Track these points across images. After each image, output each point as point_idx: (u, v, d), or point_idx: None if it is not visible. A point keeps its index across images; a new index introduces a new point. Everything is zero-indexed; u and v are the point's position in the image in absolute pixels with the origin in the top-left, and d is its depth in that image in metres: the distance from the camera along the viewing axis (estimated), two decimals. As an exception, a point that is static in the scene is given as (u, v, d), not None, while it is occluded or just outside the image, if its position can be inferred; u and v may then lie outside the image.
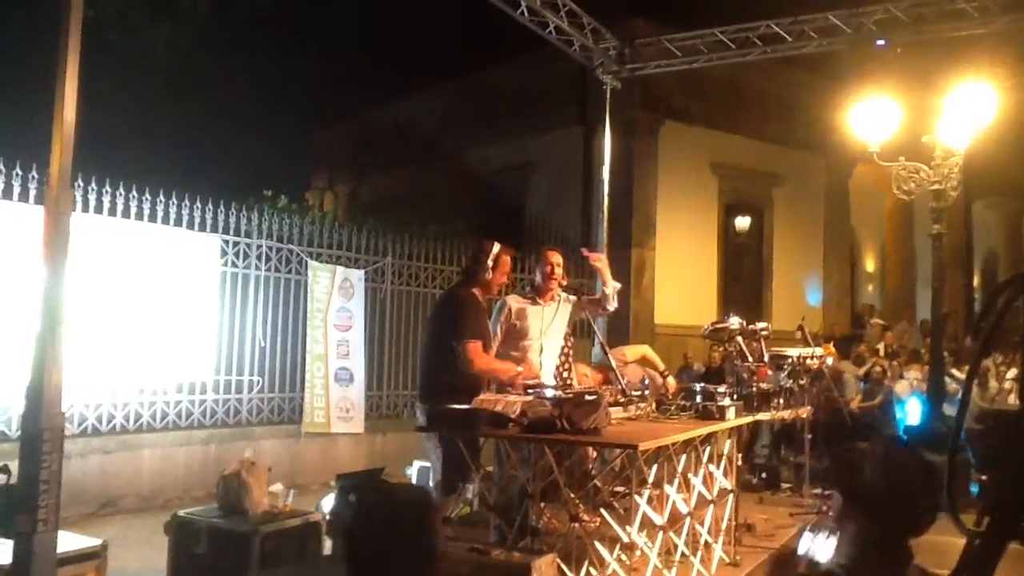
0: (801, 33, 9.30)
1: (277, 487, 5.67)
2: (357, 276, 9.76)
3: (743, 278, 15.40)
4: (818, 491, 8.22)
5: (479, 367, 5.19)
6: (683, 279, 13.30)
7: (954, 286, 15.94)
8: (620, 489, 5.05)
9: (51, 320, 3.81)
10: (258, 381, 9.00)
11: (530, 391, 4.94)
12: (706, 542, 5.49)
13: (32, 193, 6.96)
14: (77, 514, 7.03)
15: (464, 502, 5.50)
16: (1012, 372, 9.78)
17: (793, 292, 15.78)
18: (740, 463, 6.70)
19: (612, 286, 5.87)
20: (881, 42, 8.93)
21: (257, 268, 9.04)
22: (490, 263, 5.36)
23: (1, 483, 3.93)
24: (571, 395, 4.62)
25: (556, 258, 5.73)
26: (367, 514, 2.09)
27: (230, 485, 5.16)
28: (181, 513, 5.05)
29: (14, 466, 3.83)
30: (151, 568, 5.25)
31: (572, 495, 4.67)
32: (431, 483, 5.38)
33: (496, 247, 5.42)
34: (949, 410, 9.81)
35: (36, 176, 6.94)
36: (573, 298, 5.83)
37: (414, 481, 7.00)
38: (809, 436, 8.26)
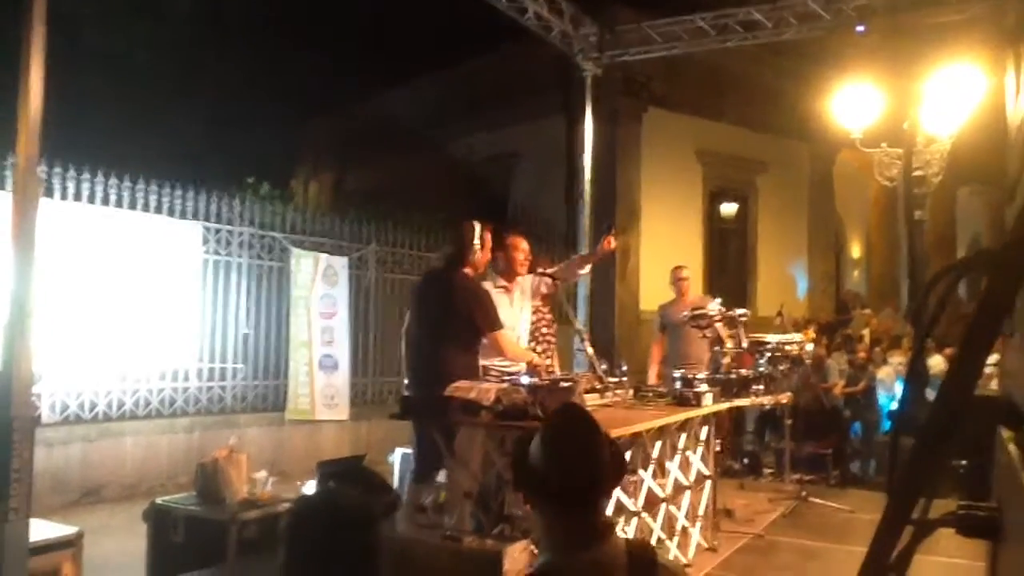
0: (780, 19, 9.30)
1: (261, 474, 5.68)
2: (341, 263, 9.76)
3: (728, 265, 15.44)
4: (799, 477, 8.29)
5: (513, 355, 5.36)
6: (668, 265, 13.25)
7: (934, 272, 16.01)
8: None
9: (20, 308, 3.80)
10: (241, 369, 9.01)
11: (506, 378, 4.97)
12: (683, 527, 5.53)
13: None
14: (60, 503, 7.04)
15: (439, 489, 5.52)
16: (994, 357, 9.84)
17: (778, 279, 15.84)
18: (719, 449, 6.74)
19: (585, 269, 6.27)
20: (861, 28, 8.94)
21: (239, 255, 9.04)
22: (477, 243, 5.39)
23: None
24: (546, 382, 4.64)
25: (524, 244, 5.86)
26: (298, 528, 1.95)
27: (208, 473, 5.17)
28: (159, 501, 5.06)
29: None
30: (130, 556, 5.25)
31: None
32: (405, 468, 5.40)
33: (478, 227, 5.48)
34: (932, 395, 9.87)
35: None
36: (529, 277, 5.94)
37: (396, 468, 7.00)
38: (790, 422, 8.31)
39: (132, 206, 8.10)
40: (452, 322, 5.23)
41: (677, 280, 8.18)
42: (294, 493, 6.29)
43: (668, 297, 8.39)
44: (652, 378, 7.78)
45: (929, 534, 1.42)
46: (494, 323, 5.24)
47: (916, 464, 1.17)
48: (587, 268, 6.56)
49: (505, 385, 4.65)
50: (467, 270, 5.42)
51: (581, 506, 1.92)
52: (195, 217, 8.62)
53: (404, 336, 5.59)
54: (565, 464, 1.94)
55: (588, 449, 1.97)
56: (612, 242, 6.13)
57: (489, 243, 5.57)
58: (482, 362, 5.70)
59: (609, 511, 4.50)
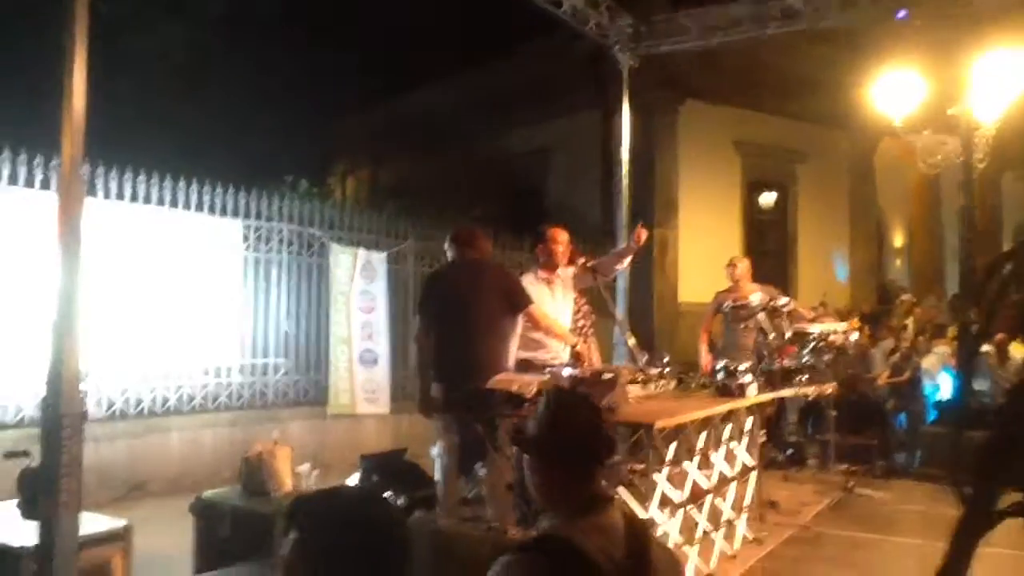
0: (820, 7, 9.15)
1: (304, 467, 5.73)
2: (379, 259, 9.80)
3: (768, 255, 15.28)
4: (843, 468, 8.20)
5: (548, 327, 5.55)
6: (707, 257, 13.18)
7: (983, 260, 15.73)
8: (640, 466, 5.05)
9: (67, 307, 3.85)
10: (283, 364, 9.08)
11: (548, 370, 4.96)
12: (728, 520, 5.48)
13: (38, 179, 7.03)
14: (107, 497, 7.12)
15: (481, 482, 5.52)
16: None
17: (819, 268, 15.67)
18: (764, 440, 6.68)
19: (627, 261, 6.23)
20: (902, 13, 8.79)
21: (279, 252, 9.10)
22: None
23: (24, 467, 3.99)
24: (588, 374, 4.62)
25: (563, 236, 5.86)
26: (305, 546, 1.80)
27: (253, 467, 5.21)
28: (206, 495, 5.12)
29: (37, 451, 3.88)
30: (178, 549, 5.31)
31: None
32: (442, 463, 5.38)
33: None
34: (980, 385, 9.73)
35: (42, 162, 7.01)
36: (570, 269, 5.94)
37: (438, 461, 7.01)
38: (834, 413, 8.21)
39: (174, 204, 8.18)
40: (489, 307, 5.24)
41: (727, 271, 8.21)
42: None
43: (708, 289, 8.38)
44: (704, 361, 7.78)
45: (997, 524, 1.39)
46: (528, 298, 5.38)
47: (993, 453, 1.14)
48: (625, 263, 6.53)
49: (547, 377, 4.64)
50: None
51: (583, 474, 2.09)
52: (236, 215, 8.69)
53: (422, 335, 5.48)
54: (571, 434, 2.12)
55: (590, 422, 2.18)
56: (643, 235, 6.12)
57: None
58: (524, 354, 5.70)
59: (655, 502, 4.47)
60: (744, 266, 8.34)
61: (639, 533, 2.08)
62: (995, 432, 1.23)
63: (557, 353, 5.76)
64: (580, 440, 2.12)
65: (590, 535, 1.97)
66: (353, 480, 6.25)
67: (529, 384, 4.54)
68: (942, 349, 11.34)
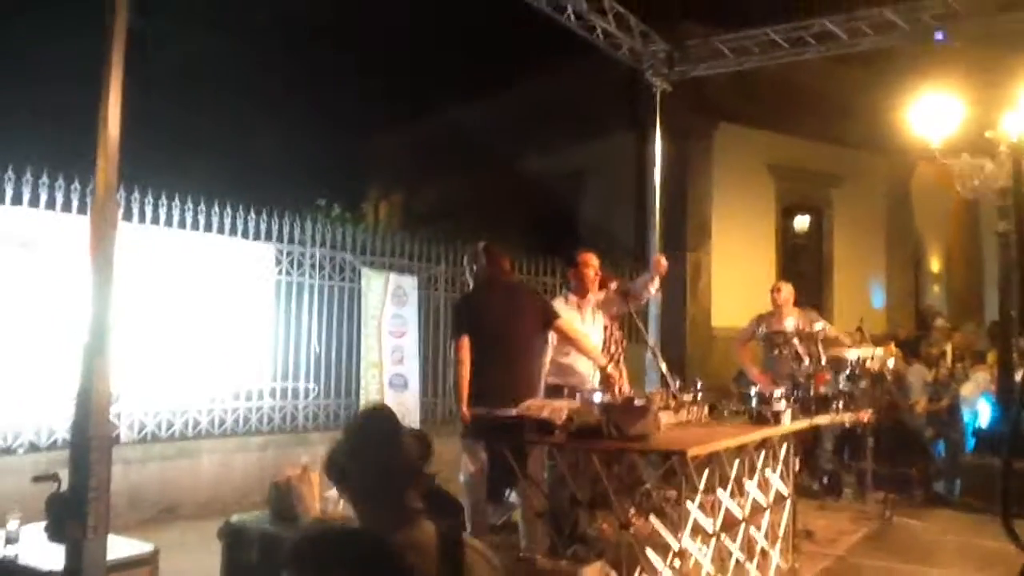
0: (856, 30, 9.09)
1: (332, 492, 5.69)
2: (410, 283, 9.80)
3: (802, 280, 15.04)
4: (881, 496, 8.01)
5: (575, 337, 5.62)
6: (740, 281, 13.08)
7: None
8: (672, 494, 4.96)
9: (98, 329, 3.85)
10: (314, 388, 9.07)
11: (578, 395, 4.90)
12: (762, 549, 5.37)
13: (75, 204, 7.09)
14: (136, 520, 7.12)
15: (511, 508, 5.47)
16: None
17: (855, 294, 15.45)
18: (798, 469, 6.55)
19: (655, 286, 6.22)
20: (940, 36, 8.69)
21: (311, 276, 9.13)
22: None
23: (53, 491, 3.98)
24: (619, 401, 4.56)
25: (594, 260, 5.84)
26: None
27: (281, 491, 5.18)
28: (233, 519, 5.08)
29: (65, 475, 3.88)
30: (205, 573, 5.28)
31: (622, 501, 4.60)
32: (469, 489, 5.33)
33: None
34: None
35: (78, 187, 7.07)
36: (601, 293, 5.92)
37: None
38: (871, 441, 8.05)
39: (208, 228, 8.23)
40: (524, 328, 5.23)
41: (772, 295, 8.18)
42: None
43: (741, 314, 8.30)
44: (757, 377, 7.68)
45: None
46: (556, 312, 5.49)
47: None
48: (654, 289, 6.47)
49: (577, 404, 4.58)
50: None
51: (383, 496, 2.16)
52: (268, 239, 8.74)
53: (460, 357, 5.42)
54: (363, 460, 2.18)
55: (385, 446, 2.20)
56: (663, 264, 6.15)
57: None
58: (554, 380, 5.65)
59: (687, 532, 4.39)
60: (788, 290, 8.29)
61: (453, 544, 2.15)
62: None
63: (587, 378, 5.71)
64: (380, 465, 2.17)
65: (404, 552, 2.04)
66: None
67: (560, 410, 4.49)
68: (981, 376, 11.11)
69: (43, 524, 3.98)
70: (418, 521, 2.15)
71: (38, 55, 13.61)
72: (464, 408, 5.23)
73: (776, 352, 7.35)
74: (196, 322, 8.05)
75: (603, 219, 14.03)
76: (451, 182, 17.37)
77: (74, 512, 3.70)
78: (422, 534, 2.13)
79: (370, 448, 2.21)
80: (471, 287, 5.77)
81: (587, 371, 5.79)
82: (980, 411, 10.47)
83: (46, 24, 13.35)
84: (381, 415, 2.34)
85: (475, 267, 5.54)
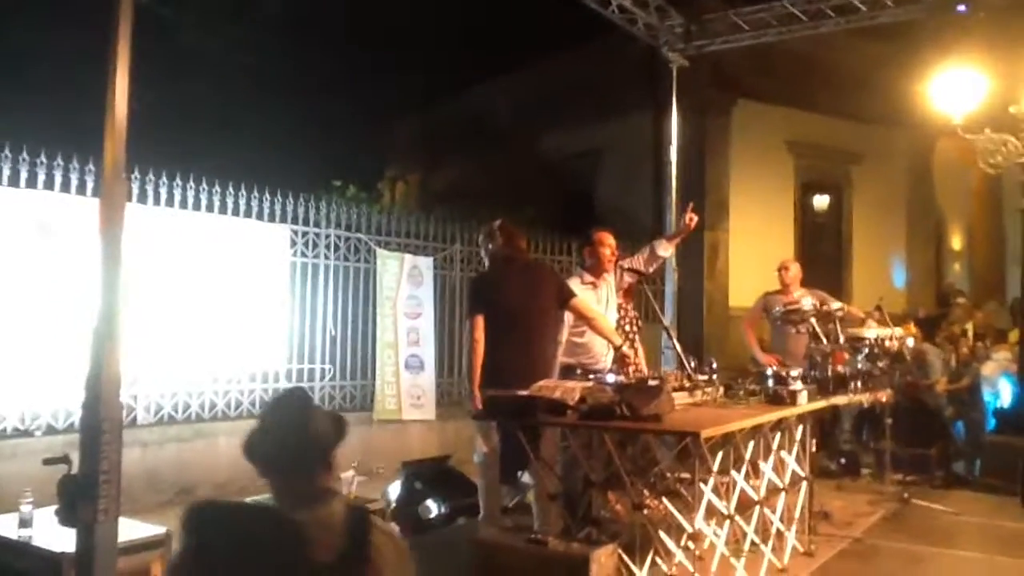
0: (876, 1, 8.94)
1: (348, 474, 5.70)
2: (426, 264, 9.77)
3: (822, 259, 14.96)
4: (900, 477, 7.95)
5: (593, 316, 5.54)
6: (758, 261, 12.94)
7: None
8: (686, 476, 4.92)
9: (108, 310, 3.83)
10: (329, 369, 9.08)
11: (591, 376, 4.86)
12: (778, 531, 5.33)
13: (89, 186, 7.08)
14: (155, 502, 7.17)
15: (524, 489, 5.45)
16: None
17: (875, 272, 15.31)
18: (815, 449, 6.49)
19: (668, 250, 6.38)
20: (962, 7, 8.52)
21: (326, 257, 9.12)
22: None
23: (64, 474, 3.98)
24: (632, 381, 4.51)
25: (610, 240, 5.81)
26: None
27: (294, 474, 5.18)
28: (247, 501, 5.08)
29: (76, 457, 3.87)
30: (221, 555, 5.30)
31: (635, 483, 4.56)
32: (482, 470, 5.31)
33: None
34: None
35: (92, 169, 7.07)
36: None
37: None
38: (890, 421, 7.96)
39: (223, 210, 8.22)
40: (548, 306, 5.21)
41: (780, 273, 8.11)
42: (379, 493, 6.32)
43: (759, 293, 8.25)
44: (764, 358, 7.67)
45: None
46: (572, 291, 5.44)
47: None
48: (670, 250, 6.46)
49: (590, 384, 4.53)
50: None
51: (292, 473, 2.22)
52: (283, 220, 8.72)
53: (475, 335, 5.35)
54: (273, 438, 2.25)
55: (294, 425, 2.26)
56: (694, 218, 6.15)
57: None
58: (567, 360, 5.62)
59: (701, 514, 4.35)
60: (796, 269, 8.23)
61: (360, 522, 2.21)
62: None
63: (600, 358, 5.67)
64: (289, 444, 2.23)
65: (304, 529, 2.10)
66: (395, 487, 6.21)
67: (572, 391, 4.44)
68: (1002, 355, 10.99)
69: (55, 507, 3.99)
70: (328, 500, 2.22)
71: (57, 37, 13.59)
72: (475, 390, 5.21)
73: (793, 331, 7.26)
74: (212, 304, 8.05)
75: (620, 198, 13.94)
76: (467, 162, 17.32)
77: (85, 495, 3.69)
78: (330, 513, 2.18)
79: (280, 427, 2.28)
80: (487, 266, 5.73)
81: (601, 351, 5.75)
82: (1001, 391, 10.37)
83: (64, 5, 13.34)
84: (293, 395, 2.43)
85: (491, 246, 5.49)
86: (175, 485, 7.64)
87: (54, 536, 3.85)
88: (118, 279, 3.93)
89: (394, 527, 2.07)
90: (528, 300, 5.23)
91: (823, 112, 14.29)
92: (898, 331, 7.30)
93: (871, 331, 6.90)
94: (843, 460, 9.09)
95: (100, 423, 3.71)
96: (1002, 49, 9.03)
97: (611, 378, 4.72)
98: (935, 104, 8.80)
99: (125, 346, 4.13)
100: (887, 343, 6.88)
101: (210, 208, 8.12)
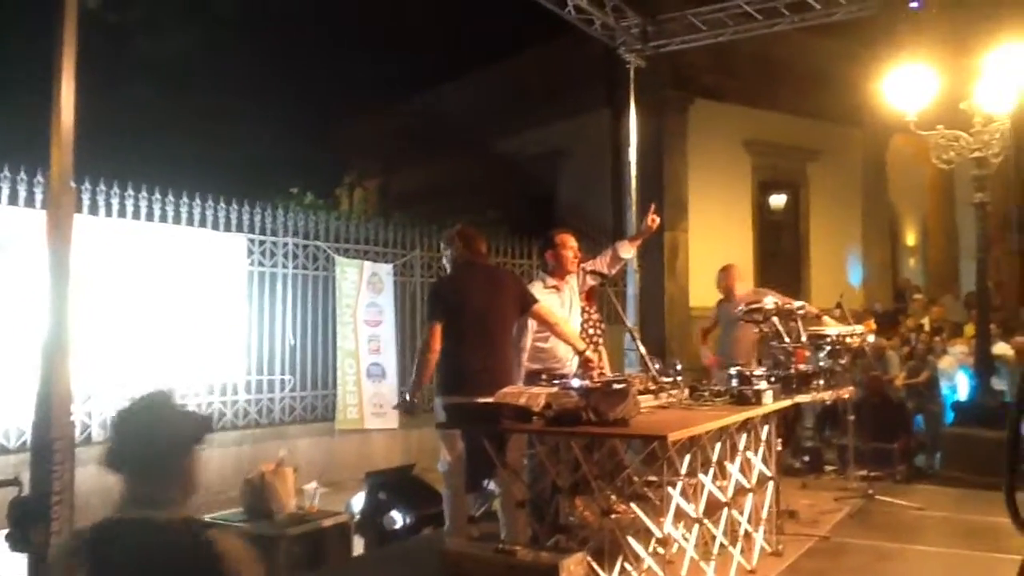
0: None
1: (310, 486, 5.59)
2: (385, 270, 9.68)
3: (780, 256, 15.08)
4: (863, 473, 7.99)
5: (554, 321, 5.42)
6: (718, 260, 13.01)
7: (1000, 256, 15.46)
8: (654, 479, 4.88)
9: (57, 325, 3.72)
10: (290, 380, 8.97)
11: (557, 381, 4.80)
12: (746, 532, 5.30)
13: (38, 199, 6.90)
14: (112, 520, 7.00)
15: (490, 497, 5.38)
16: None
17: (832, 269, 15.44)
18: (780, 448, 6.49)
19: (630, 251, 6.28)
20: (915, 3, 8.59)
21: (284, 266, 9.01)
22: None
23: (14, 496, 3.85)
24: (598, 385, 4.46)
25: (573, 242, 5.75)
26: None
27: (255, 488, 5.09)
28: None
29: (27, 478, 3.75)
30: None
31: (603, 488, 4.51)
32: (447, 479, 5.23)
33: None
34: (998, 384, 9.52)
35: (41, 180, 6.89)
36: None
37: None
38: (853, 417, 8.01)
39: (177, 220, 8.10)
40: (503, 313, 5.12)
41: (721, 282, 8.16)
42: (343, 504, 6.22)
43: (719, 293, 8.26)
44: (706, 359, 7.77)
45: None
46: (534, 296, 5.33)
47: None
48: (632, 251, 6.42)
49: (556, 390, 4.47)
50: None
51: (148, 478, 2.21)
52: (239, 229, 8.61)
53: (431, 343, 5.27)
54: (132, 444, 2.24)
55: (148, 428, 2.25)
56: (656, 219, 6.11)
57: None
58: (532, 366, 5.55)
59: (669, 517, 4.31)
60: (733, 272, 8.30)
61: (199, 530, 2.25)
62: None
63: (565, 363, 5.61)
64: (142, 448, 2.23)
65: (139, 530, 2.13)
66: (359, 498, 6.12)
67: (537, 397, 4.37)
68: (959, 349, 11.13)
69: (4, 532, 3.86)
70: (171, 508, 2.23)
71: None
72: (413, 395, 5.26)
73: (756, 330, 7.27)
74: (168, 316, 7.91)
75: (581, 199, 13.93)
76: (426, 166, 17.21)
77: (37, 516, 3.58)
78: (175, 514, 2.21)
79: (129, 432, 2.27)
80: (448, 271, 5.64)
81: (566, 355, 5.69)
82: (958, 384, 10.49)
83: (5, 10, 13.02)
84: (150, 398, 2.38)
85: (451, 251, 5.40)
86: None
87: (5, 563, 3.72)
88: (67, 293, 3.82)
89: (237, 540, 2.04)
90: (488, 305, 5.14)
91: (780, 111, 14.39)
92: (859, 328, 7.34)
93: (833, 328, 6.92)
94: (807, 458, 9.14)
95: (51, 442, 3.62)
96: (953, 45, 9.13)
97: (576, 383, 4.66)
98: (889, 101, 8.87)
99: (77, 362, 4.02)
100: (848, 340, 6.90)
101: (164, 218, 7.99)
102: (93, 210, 7.46)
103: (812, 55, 13.79)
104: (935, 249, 17.91)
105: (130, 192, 7.74)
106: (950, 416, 9.76)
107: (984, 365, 9.01)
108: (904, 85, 8.64)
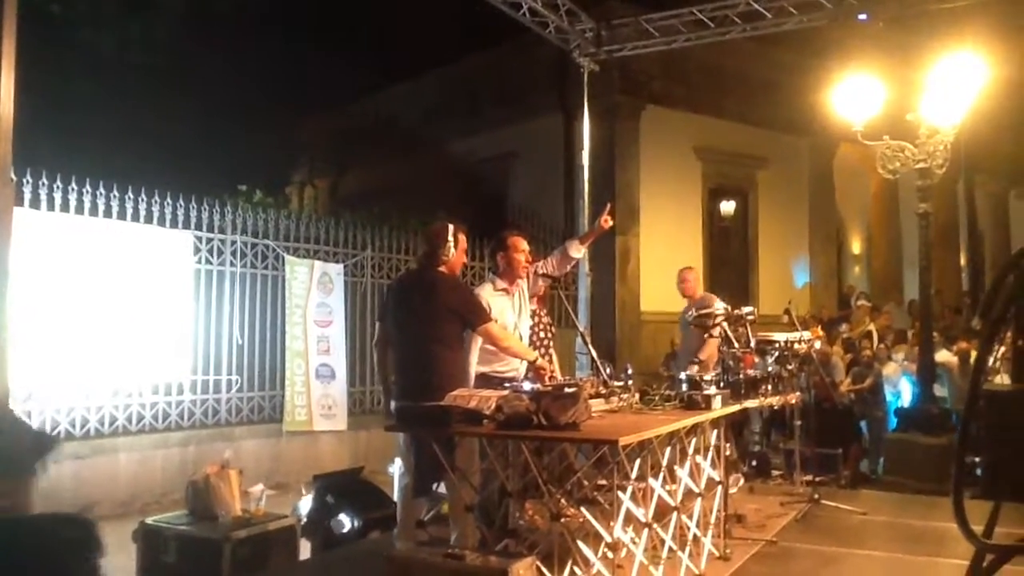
0: (780, 9, 9.12)
1: (256, 488, 5.50)
2: (336, 270, 9.59)
3: (729, 262, 15.23)
4: (809, 478, 8.08)
5: (507, 345, 5.26)
6: (668, 265, 13.10)
7: (942, 265, 15.80)
8: (604, 483, 4.87)
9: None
10: (236, 380, 8.84)
11: (507, 385, 4.78)
12: (695, 536, 5.33)
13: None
14: (51, 522, 6.83)
15: (439, 501, 5.33)
16: (1001, 351, 9.68)
17: (779, 275, 15.65)
18: (729, 454, 6.53)
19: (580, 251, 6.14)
20: (863, 16, 8.74)
21: (232, 265, 8.88)
22: (451, 244, 5.19)
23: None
24: (549, 388, 4.45)
25: (524, 245, 5.71)
26: None
27: (199, 490, 4.99)
28: (149, 520, 4.88)
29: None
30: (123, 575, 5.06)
31: (553, 492, 4.49)
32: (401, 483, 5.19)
33: (451, 227, 5.27)
34: (940, 391, 9.71)
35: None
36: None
37: (396, 479, 6.81)
38: (799, 422, 8.10)
39: (121, 216, 7.94)
40: (440, 322, 5.03)
41: (679, 284, 8.22)
42: (290, 507, 6.13)
43: (670, 298, 8.35)
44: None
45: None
46: (484, 315, 5.14)
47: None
48: (583, 251, 6.39)
49: (506, 393, 4.45)
50: (442, 270, 5.23)
51: None
52: (186, 226, 8.46)
53: (380, 345, 5.26)
54: None
55: None
56: (609, 220, 6.07)
57: (464, 244, 5.39)
58: (481, 369, 5.52)
59: (618, 521, 4.31)
60: (692, 276, 8.39)
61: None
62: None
63: (516, 366, 5.59)
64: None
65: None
66: (306, 501, 6.04)
67: (488, 400, 4.35)
68: (902, 355, 11.34)
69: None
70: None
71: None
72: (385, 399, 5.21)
73: (706, 335, 7.32)
74: (111, 314, 7.75)
75: (532, 202, 13.93)
76: (378, 167, 17.11)
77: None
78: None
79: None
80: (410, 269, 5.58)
81: (518, 359, 5.66)
82: (902, 390, 10.68)
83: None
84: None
85: (445, 248, 5.25)
86: (73, 506, 7.28)
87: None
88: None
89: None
90: (426, 315, 5.07)
91: (730, 118, 14.54)
92: (806, 334, 7.42)
93: (781, 334, 6.98)
94: (754, 462, 9.21)
95: (-13, 444, 3.49)
96: (900, 58, 9.31)
97: (527, 386, 4.65)
98: (837, 111, 9.01)
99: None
100: (796, 346, 6.97)
101: (108, 214, 7.82)
102: (35, 204, 7.29)
103: (763, 65, 13.98)
104: (879, 257, 18.25)
105: (73, 186, 7.56)
106: (893, 422, 9.93)
107: (926, 372, 9.18)
108: (852, 96, 8.79)
